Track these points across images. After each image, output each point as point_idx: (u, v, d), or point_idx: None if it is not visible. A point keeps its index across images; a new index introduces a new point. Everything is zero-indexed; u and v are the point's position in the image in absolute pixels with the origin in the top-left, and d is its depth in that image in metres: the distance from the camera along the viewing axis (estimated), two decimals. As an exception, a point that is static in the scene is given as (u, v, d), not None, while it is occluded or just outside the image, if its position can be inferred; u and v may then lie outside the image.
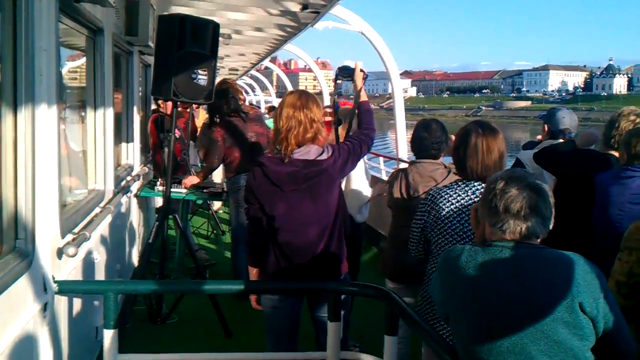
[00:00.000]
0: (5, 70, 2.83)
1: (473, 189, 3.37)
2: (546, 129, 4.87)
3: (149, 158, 8.25)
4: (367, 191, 5.22)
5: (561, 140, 4.75)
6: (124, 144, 6.94)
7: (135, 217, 7.20)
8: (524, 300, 2.26)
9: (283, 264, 3.69)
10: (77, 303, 3.95)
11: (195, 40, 5.10)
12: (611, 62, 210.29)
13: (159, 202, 7.91)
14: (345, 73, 4.26)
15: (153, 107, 8.72)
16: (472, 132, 3.40)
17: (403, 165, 8.47)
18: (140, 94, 7.99)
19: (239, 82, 24.17)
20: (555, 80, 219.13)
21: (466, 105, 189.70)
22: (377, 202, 9.03)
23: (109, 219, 5.04)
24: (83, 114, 5.04)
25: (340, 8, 7.65)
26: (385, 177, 10.19)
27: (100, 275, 4.72)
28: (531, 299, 2.25)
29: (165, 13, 6.27)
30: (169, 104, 6.45)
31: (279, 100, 4.04)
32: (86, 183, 4.98)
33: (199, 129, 8.63)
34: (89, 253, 4.34)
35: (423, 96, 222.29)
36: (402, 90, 9.42)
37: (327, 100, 11.37)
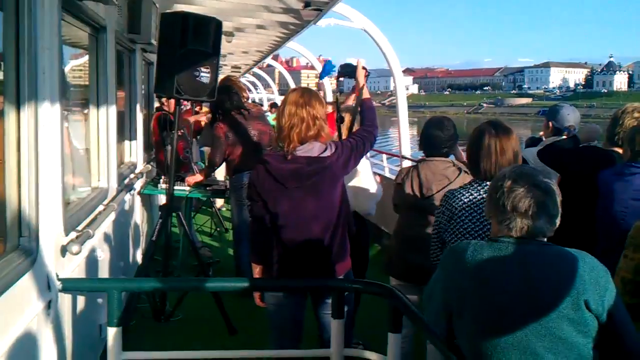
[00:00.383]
0: (8, 69, 2.84)
1: (486, 188, 3.36)
2: (550, 125, 4.86)
3: (152, 156, 8.25)
4: (375, 187, 5.20)
5: (564, 137, 4.74)
6: (127, 142, 6.94)
7: (139, 215, 7.20)
8: (529, 296, 2.26)
9: (286, 261, 3.69)
10: (81, 301, 3.95)
11: (197, 38, 5.10)
12: (612, 59, 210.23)
13: (162, 199, 7.92)
14: (347, 70, 4.25)
15: (156, 105, 8.73)
16: (485, 133, 3.38)
17: (406, 163, 8.48)
18: (143, 91, 8.00)
19: (242, 79, 24.18)
20: (556, 77, 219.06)
21: (467, 102, 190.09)
22: (380, 200, 9.03)
23: (112, 216, 5.04)
24: (86, 112, 5.04)
25: (342, 5, 7.64)
26: (388, 174, 10.18)
27: (103, 273, 4.73)
28: (536, 295, 2.25)
29: (167, 11, 6.26)
30: (172, 101, 6.45)
31: (282, 97, 4.04)
32: (89, 181, 4.98)
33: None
34: (93, 251, 4.34)
35: (424, 93, 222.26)
36: (404, 88, 9.40)
37: (329, 98, 11.34)
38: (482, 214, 3.28)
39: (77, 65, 5.05)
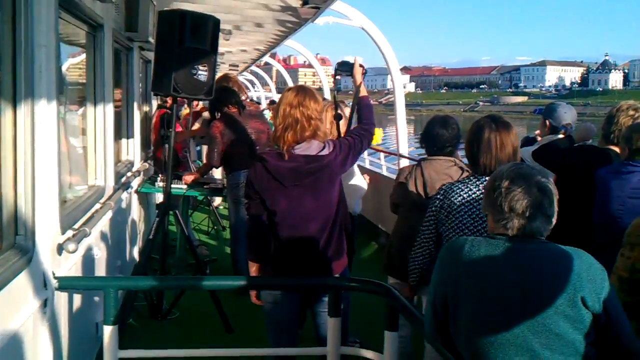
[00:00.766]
0: (5, 67, 2.83)
1: (485, 184, 3.36)
2: (547, 124, 4.86)
3: (150, 154, 8.24)
4: (362, 184, 5.19)
5: (560, 136, 4.74)
6: (124, 140, 6.93)
7: (136, 213, 7.20)
8: (525, 293, 2.27)
9: (284, 259, 3.69)
10: (78, 299, 3.95)
11: (195, 36, 5.09)
12: (607, 58, 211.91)
13: (159, 198, 7.92)
14: (345, 68, 4.24)
15: (159, 102, 8.72)
16: (485, 128, 3.38)
17: (404, 161, 8.48)
18: (140, 90, 7.99)
19: (240, 77, 24.16)
20: (552, 76, 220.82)
21: (464, 100, 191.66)
22: (376, 197, 9.04)
23: (109, 215, 5.04)
24: (83, 110, 5.03)
25: (340, 3, 7.63)
26: (385, 173, 10.18)
27: (100, 271, 4.72)
28: (533, 291, 2.26)
29: (165, 9, 6.25)
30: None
31: (280, 95, 4.04)
32: (86, 179, 4.97)
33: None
34: (89, 249, 4.34)
35: (421, 92, 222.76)
36: (402, 86, 9.40)
37: (327, 96, 11.34)
38: (481, 208, 3.28)
39: (74, 63, 5.04)
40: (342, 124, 4.51)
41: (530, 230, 2.32)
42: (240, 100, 6.61)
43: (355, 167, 4.95)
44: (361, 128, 3.92)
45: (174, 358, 3.95)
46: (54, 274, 3.28)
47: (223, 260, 8.00)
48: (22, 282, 2.85)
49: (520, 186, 2.31)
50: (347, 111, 4.69)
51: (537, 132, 5.30)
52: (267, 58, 16.01)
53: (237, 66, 18.60)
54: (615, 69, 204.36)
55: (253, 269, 3.85)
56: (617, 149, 3.99)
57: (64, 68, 4.34)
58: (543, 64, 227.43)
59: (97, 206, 4.70)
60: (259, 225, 3.72)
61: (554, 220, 2.35)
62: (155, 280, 4.58)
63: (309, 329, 4.08)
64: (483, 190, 3.27)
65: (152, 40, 6.21)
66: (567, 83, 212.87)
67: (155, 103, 9.45)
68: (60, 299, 3.49)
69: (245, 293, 6.15)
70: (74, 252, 3.54)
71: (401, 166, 7.43)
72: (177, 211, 5.84)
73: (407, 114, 9.24)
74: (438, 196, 3.55)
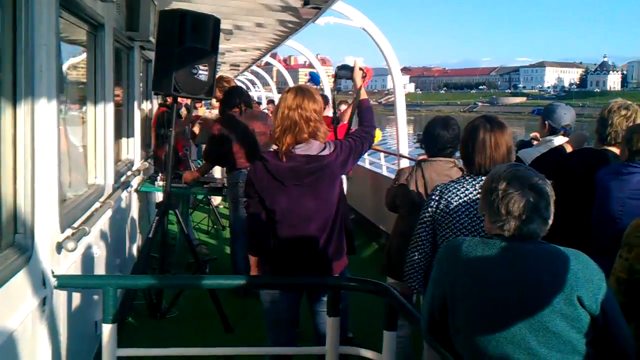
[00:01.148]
0: (5, 66, 2.83)
1: (481, 183, 3.36)
2: (547, 125, 4.85)
3: (150, 153, 8.25)
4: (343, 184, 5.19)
5: (560, 137, 4.73)
6: (124, 139, 6.94)
7: (136, 212, 7.20)
8: (522, 292, 2.28)
9: (283, 258, 3.70)
10: (77, 298, 3.95)
11: (196, 36, 5.10)
12: (605, 59, 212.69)
13: (159, 197, 7.92)
14: (345, 72, 4.24)
15: (159, 102, 8.73)
16: (480, 128, 3.40)
17: (404, 161, 8.48)
18: (141, 89, 7.99)
19: (241, 77, 24.18)
20: (551, 77, 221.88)
21: (462, 101, 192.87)
22: (376, 197, 9.04)
23: (108, 213, 5.04)
24: (83, 109, 5.04)
25: (341, 4, 7.64)
26: (385, 173, 10.19)
27: (99, 269, 4.73)
28: (530, 291, 2.27)
29: (166, 8, 6.26)
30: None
31: (280, 94, 4.04)
32: (86, 178, 4.97)
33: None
34: (89, 248, 4.34)
35: (420, 92, 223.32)
36: (403, 87, 9.41)
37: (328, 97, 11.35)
38: (477, 208, 3.29)
39: (75, 63, 5.04)
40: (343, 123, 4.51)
41: (527, 232, 2.33)
42: (247, 100, 6.63)
43: None
44: (362, 130, 3.92)
45: (173, 357, 3.95)
46: (53, 272, 3.29)
47: (222, 260, 8.01)
48: (21, 281, 2.86)
49: (517, 188, 2.32)
50: (348, 112, 4.70)
51: (534, 134, 5.29)
52: (267, 58, 16.01)
53: (238, 66, 18.60)
54: (613, 71, 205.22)
55: (253, 263, 3.86)
56: (614, 150, 3.99)
57: (64, 67, 4.34)
58: (542, 65, 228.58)
59: (97, 205, 4.71)
60: (258, 223, 3.73)
61: (550, 222, 2.36)
62: (154, 279, 4.59)
63: (308, 329, 4.08)
64: (479, 190, 3.29)
65: (152, 39, 6.22)
66: (566, 84, 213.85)
67: (155, 102, 9.46)
68: (59, 298, 3.49)
69: (244, 294, 6.19)
70: (73, 250, 3.54)
71: (401, 166, 7.44)
72: (176, 210, 5.84)
73: (406, 114, 9.24)
74: (434, 196, 3.56)
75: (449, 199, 3.46)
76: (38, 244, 3.06)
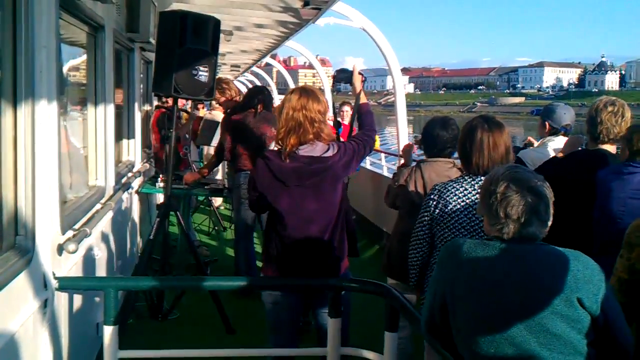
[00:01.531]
0: (5, 67, 2.83)
1: (480, 183, 3.36)
2: (547, 125, 4.85)
3: (151, 154, 8.24)
4: None
5: (560, 137, 4.72)
6: (125, 141, 6.93)
7: (137, 214, 7.20)
8: (522, 293, 2.28)
9: (285, 258, 3.69)
10: (78, 299, 3.95)
11: (196, 37, 5.10)
12: (603, 59, 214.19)
13: (160, 198, 7.92)
14: (343, 76, 4.24)
15: (157, 103, 8.73)
16: (477, 128, 3.40)
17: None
18: (141, 90, 7.99)
19: (241, 78, 24.18)
20: (550, 77, 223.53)
21: (461, 101, 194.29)
22: (377, 198, 9.03)
23: (109, 215, 5.04)
24: (84, 110, 5.03)
25: (341, 4, 7.63)
26: (386, 173, 10.18)
27: (101, 271, 4.72)
28: (530, 292, 2.27)
29: (166, 9, 6.26)
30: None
31: (281, 96, 4.03)
32: (87, 179, 4.97)
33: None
34: (90, 249, 4.34)
35: (419, 92, 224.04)
36: (403, 87, 9.40)
37: (327, 97, 11.34)
38: (476, 208, 3.28)
39: (75, 64, 5.04)
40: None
41: (526, 235, 2.33)
42: (266, 101, 6.62)
43: None
44: (363, 134, 3.92)
45: (174, 358, 3.95)
46: (54, 274, 3.28)
47: (224, 261, 8.00)
48: (22, 283, 2.85)
49: (515, 191, 2.31)
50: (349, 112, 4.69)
51: (528, 139, 5.27)
52: (267, 59, 16.00)
53: (239, 67, 18.60)
54: (612, 70, 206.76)
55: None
56: (607, 147, 3.99)
57: (64, 69, 4.34)
58: (541, 65, 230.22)
59: (98, 206, 4.71)
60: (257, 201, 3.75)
61: (550, 224, 2.36)
62: (155, 281, 4.58)
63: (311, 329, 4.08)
64: (478, 190, 3.29)
65: (153, 41, 6.22)
66: (565, 84, 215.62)
67: (155, 104, 9.46)
68: (61, 300, 3.49)
69: (245, 295, 6.19)
70: (74, 252, 3.54)
71: (402, 167, 7.42)
72: (177, 212, 5.84)
73: (406, 115, 9.24)
74: (432, 196, 3.56)
75: (447, 198, 3.46)
76: (39, 245, 3.06)
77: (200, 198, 10.01)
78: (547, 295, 2.23)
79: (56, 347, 3.38)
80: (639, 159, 3.58)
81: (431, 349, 3.30)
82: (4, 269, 2.66)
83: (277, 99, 17.28)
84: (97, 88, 5.04)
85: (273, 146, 6.33)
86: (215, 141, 7.98)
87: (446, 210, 3.45)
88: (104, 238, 4.97)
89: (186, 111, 9.03)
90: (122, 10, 5.82)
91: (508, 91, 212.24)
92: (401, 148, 8.98)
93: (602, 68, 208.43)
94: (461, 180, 3.49)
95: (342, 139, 4.42)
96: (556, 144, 4.65)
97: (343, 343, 3.62)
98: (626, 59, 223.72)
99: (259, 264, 6.56)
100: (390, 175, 9.56)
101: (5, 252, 2.80)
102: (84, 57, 4.96)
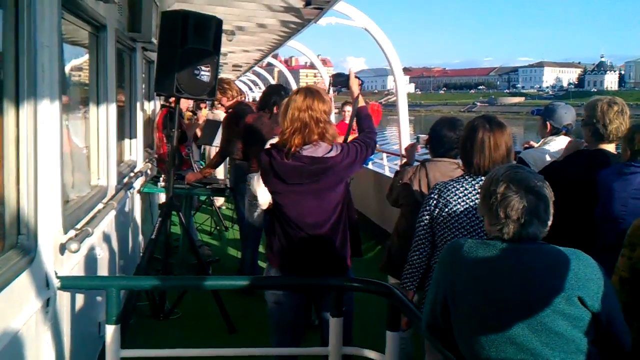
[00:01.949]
0: (8, 66, 2.83)
1: (480, 183, 3.35)
2: (548, 125, 4.84)
3: (153, 154, 8.25)
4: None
5: (562, 136, 4.71)
6: (127, 140, 6.94)
7: (139, 213, 7.20)
8: (524, 292, 2.28)
9: (287, 253, 3.71)
10: (80, 299, 3.95)
11: (198, 37, 5.10)
12: (602, 59, 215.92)
13: (162, 198, 7.93)
14: (340, 80, 4.23)
15: (161, 102, 8.74)
16: (479, 128, 3.40)
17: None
18: (143, 90, 7.99)
19: (243, 78, 24.20)
20: (550, 77, 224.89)
21: (461, 101, 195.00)
22: (379, 198, 9.03)
23: (112, 215, 5.04)
24: (86, 110, 5.04)
25: (343, 4, 7.64)
26: (388, 173, 10.18)
27: (103, 271, 4.73)
28: (531, 291, 2.27)
29: (168, 9, 6.26)
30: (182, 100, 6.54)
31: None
32: (89, 179, 4.98)
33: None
34: (92, 249, 4.34)
35: (420, 92, 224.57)
36: (405, 87, 9.40)
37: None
38: (476, 208, 3.28)
39: (77, 64, 5.04)
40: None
41: (525, 235, 2.33)
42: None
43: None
44: (365, 136, 3.92)
45: (176, 358, 3.95)
46: (56, 273, 3.29)
47: (225, 261, 8.01)
48: (25, 282, 2.86)
49: (515, 192, 2.31)
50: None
51: (529, 143, 5.27)
52: (269, 59, 16.01)
53: (240, 67, 18.61)
54: (611, 70, 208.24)
55: None
56: (607, 147, 3.98)
57: (67, 68, 4.34)
58: (541, 65, 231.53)
59: (100, 206, 4.71)
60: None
61: (550, 224, 2.36)
62: (157, 280, 4.58)
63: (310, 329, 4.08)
64: (478, 190, 3.29)
65: (155, 40, 6.23)
66: (565, 84, 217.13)
67: (158, 103, 9.47)
68: (63, 299, 3.49)
69: (250, 293, 6.20)
70: (76, 251, 3.54)
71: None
72: (179, 211, 5.84)
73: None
74: (432, 195, 3.56)
75: (448, 198, 3.46)
76: (41, 245, 3.06)
77: (202, 198, 10.01)
78: (548, 294, 2.24)
79: (58, 346, 3.39)
80: (641, 158, 3.58)
81: (432, 348, 3.31)
82: (6, 268, 2.66)
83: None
84: (99, 88, 5.04)
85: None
86: (216, 141, 7.99)
87: (446, 210, 3.45)
88: (106, 237, 4.98)
89: (193, 112, 9.04)
90: (124, 10, 5.82)
91: (508, 91, 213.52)
92: (403, 147, 9.01)
93: (601, 68, 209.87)
94: (462, 180, 3.49)
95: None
96: (558, 144, 4.64)
97: (346, 342, 3.62)
98: (626, 58, 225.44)
99: (262, 264, 6.60)
100: (392, 175, 9.56)
101: (7, 251, 2.81)
102: (86, 56, 4.97)
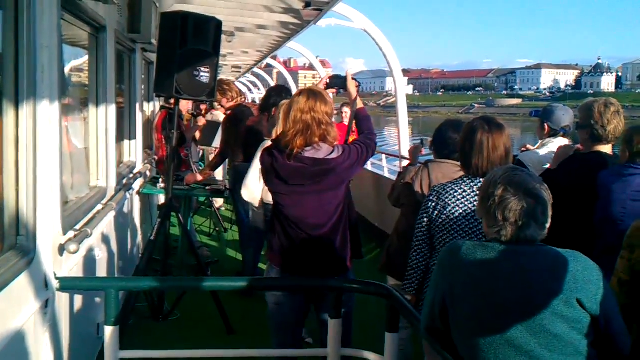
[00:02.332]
0: (7, 67, 2.83)
1: (479, 185, 3.35)
2: (546, 127, 4.84)
3: (152, 155, 8.25)
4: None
5: (560, 138, 4.71)
6: (126, 142, 6.94)
7: (138, 214, 7.20)
8: (522, 295, 2.28)
9: (287, 252, 3.71)
10: (79, 300, 3.95)
11: (197, 38, 5.10)
12: (599, 61, 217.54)
13: (161, 199, 7.92)
14: (337, 82, 4.22)
15: (161, 104, 8.74)
16: (478, 129, 3.40)
17: (405, 163, 8.46)
18: (142, 91, 7.99)
19: (242, 79, 24.20)
20: (548, 79, 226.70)
21: (459, 102, 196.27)
22: (378, 199, 9.03)
23: (111, 216, 5.04)
24: (85, 111, 5.04)
25: (343, 5, 7.64)
26: (387, 175, 10.17)
27: (101, 272, 4.73)
28: (529, 294, 2.27)
29: (167, 10, 6.26)
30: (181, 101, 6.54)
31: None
32: (88, 180, 4.98)
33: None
34: (91, 250, 4.34)
35: (418, 94, 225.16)
36: (404, 88, 9.40)
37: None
38: (475, 210, 3.28)
39: (77, 65, 5.04)
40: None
41: (523, 238, 2.33)
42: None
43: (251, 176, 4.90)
44: (366, 137, 3.91)
45: (175, 359, 3.95)
46: (55, 274, 3.28)
47: (224, 262, 8.01)
48: (24, 283, 2.85)
49: (513, 194, 2.31)
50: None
51: (526, 147, 5.27)
52: (268, 60, 16.03)
53: (240, 68, 18.60)
54: (608, 72, 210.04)
55: None
56: (602, 148, 3.98)
57: (66, 69, 4.34)
58: (538, 67, 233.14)
59: (99, 207, 4.71)
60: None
61: (548, 226, 2.36)
62: (156, 281, 4.58)
63: (310, 330, 4.08)
64: (476, 192, 3.29)
65: (154, 41, 6.22)
66: (562, 86, 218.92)
67: (157, 105, 9.47)
68: (62, 300, 3.49)
69: (250, 294, 6.20)
70: (75, 252, 3.54)
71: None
72: (178, 212, 5.83)
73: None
74: (431, 197, 3.56)
75: (446, 200, 3.46)
76: (40, 246, 3.06)
77: (201, 199, 10.00)
78: (547, 296, 2.24)
79: (57, 347, 3.38)
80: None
81: (431, 350, 3.31)
82: (6, 269, 2.66)
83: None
84: (99, 89, 5.04)
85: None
86: (216, 142, 7.98)
87: (444, 212, 3.45)
88: (105, 239, 4.97)
89: (194, 115, 9.03)
90: (123, 11, 5.82)
91: (505, 93, 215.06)
92: (402, 148, 9.01)
93: (598, 70, 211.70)
94: (460, 181, 3.49)
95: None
96: (556, 146, 4.63)
97: (346, 344, 3.62)
98: (624, 60, 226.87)
99: (262, 266, 6.60)
100: (391, 177, 9.56)
101: (6, 252, 2.81)
102: (86, 57, 4.97)
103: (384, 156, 11.51)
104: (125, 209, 6.19)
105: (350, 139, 4.23)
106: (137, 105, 7.23)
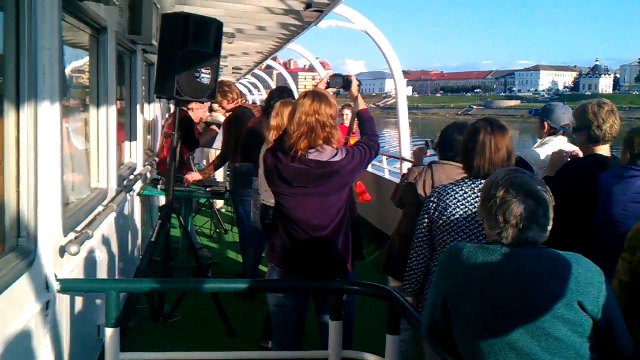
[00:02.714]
0: (8, 69, 2.83)
1: (480, 186, 3.35)
2: (546, 125, 4.83)
3: (153, 156, 8.25)
4: None
5: (560, 136, 4.70)
6: (127, 143, 6.93)
7: (138, 216, 7.19)
8: (523, 298, 2.28)
9: (288, 253, 3.71)
10: (79, 301, 3.95)
11: (198, 39, 5.09)
12: (597, 63, 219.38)
13: (161, 200, 7.92)
14: (337, 81, 4.21)
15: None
16: (480, 130, 3.39)
17: (406, 165, 8.46)
18: (143, 92, 7.99)
19: (243, 80, 24.20)
20: (546, 80, 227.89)
21: (458, 104, 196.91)
22: (379, 201, 9.03)
23: (111, 217, 5.04)
24: (86, 112, 5.04)
25: (343, 7, 7.64)
26: (387, 176, 10.17)
27: (102, 273, 4.72)
28: (531, 296, 2.27)
29: (168, 11, 6.26)
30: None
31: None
32: (89, 181, 4.97)
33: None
34: (91, 251, 4.34)
35: (417, 95, 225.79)
36: (404, 90, 9.40)
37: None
38: (475, 211, 3.27)
39: (77, 66, 5.04)
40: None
41: (524, 240, 2.33)
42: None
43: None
44: (368, 139, 3.92)
45: (175, 361, 3.95)
46: (55, 276, 3.28)
47: (225, 263, 8.00)
48: (24, 285, 2.85)
49: (514, 196, 2.31)
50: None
51: (520, 153, 5.27)
52: (268, 61, 16.03)
53: (240, 69, 18.61)
54: (606, 74, 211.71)
55: None
56: (601, 150, 3.98)
57: (67, 70, 4.34)
58: (537, 68, 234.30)
59: (100, 209, 4.71)
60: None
61: (549, 228, 2.36)
62: (157, 283, 4.58)
63: (311, 332, 4.07)
64: (477, 193, 3.28)
65: (155, 43, 6.22)
66: (561, 87, 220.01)
67: (157, 106, 9.47)
68: (62, 301, 3.49)
69: (250, 295, 6.20)
70: (76, 254, 3.54)
71: (404, 169, 7.42)
72: (179, 214, 5.83)
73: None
74: (432, 198, 3.55)
75: (447, 201, 3.45)
76: (41, 247, 3.06)
77: (202, 200, 9.99)
78: (548, 299, 2.23)
79: (57, 349, 3.38)
80: (640, 161, 3.58)
81: (432, 351, 3.30)
82: (6, 270, 2.66)
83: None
84: (100, 90, 5.03)
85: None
86: (217, 143, 7.97)
87: (445, 213, 3.45)
88: (106, 240, 4.97)
89: (207, 123, 9.00)
90: (124, 12, 5.82)
91: (504, 94, 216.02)
92: (403, 150, 9.01)
93: (596, 71, 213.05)
94: (461, 183, 3.48)
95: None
96: (556, 144, 4.62)
97: (347, 345, 3.62)
98: (622, 61, 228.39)
99: (263, 267, 6.59)
100: (392, 178, 9.57)
101: (7, 254, 2.80)
102: (87, 59, 4.97)
103: (384, 158, 11.50)
104: (126, 211, 6.19)
105: (351, 141, 4.23)
106: (138, 107, 7.22)
